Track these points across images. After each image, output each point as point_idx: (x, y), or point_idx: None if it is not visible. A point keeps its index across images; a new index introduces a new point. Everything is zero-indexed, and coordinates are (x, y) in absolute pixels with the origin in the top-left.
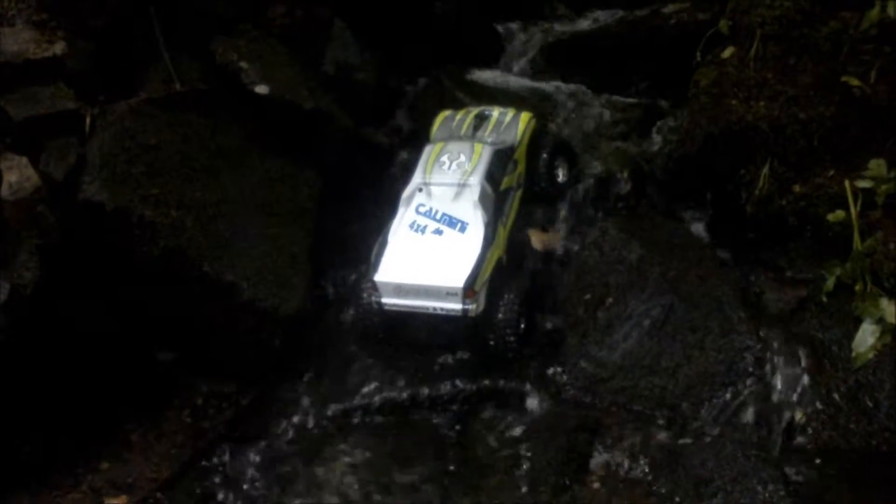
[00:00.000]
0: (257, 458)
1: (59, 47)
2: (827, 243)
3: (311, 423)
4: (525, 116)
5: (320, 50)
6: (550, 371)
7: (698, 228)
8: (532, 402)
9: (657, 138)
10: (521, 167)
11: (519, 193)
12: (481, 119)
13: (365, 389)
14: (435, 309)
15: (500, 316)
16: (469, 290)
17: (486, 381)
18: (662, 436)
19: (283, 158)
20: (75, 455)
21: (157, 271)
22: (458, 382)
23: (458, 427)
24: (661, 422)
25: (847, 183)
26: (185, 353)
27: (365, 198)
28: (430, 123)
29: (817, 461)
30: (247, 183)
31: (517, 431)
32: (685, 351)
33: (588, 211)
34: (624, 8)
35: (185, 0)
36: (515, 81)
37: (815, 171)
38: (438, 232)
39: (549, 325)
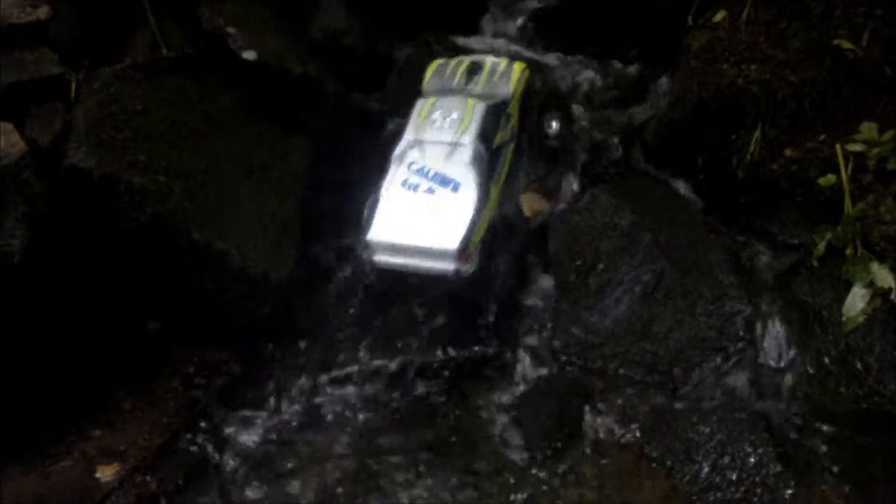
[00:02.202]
0: (249, 426)
1: (42, 11)
2: (818, 208)
3: (301, 391)
4: (518, 67)
5: (307, 15)
6: (542, 337)
7: (690, 194)
8: (523, 369)
9: (649, 104)
10: (514, 120)
11: (512, 147)
12: (473, 70)
13: (356, 357)
14: (428, 269)
15: (492, 283)
16: (463, 253)
17: (478, 348)
18: (654, 400)
19: (273, 124)
20: (66, 424)
21: (146, 238)
22: (449, 349)
23: (448, 394)
24: (652, 387)
25: (838, 147)
26: (176, 322)
27: (356, 164)
28: (422, 73)
29: (807, 424)
30: (236, 149)
31: (508, 398)
32: (676, 316)
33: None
34: None
35: None
36: (505, 47)
37: (807, 135)
38: (430, 191)
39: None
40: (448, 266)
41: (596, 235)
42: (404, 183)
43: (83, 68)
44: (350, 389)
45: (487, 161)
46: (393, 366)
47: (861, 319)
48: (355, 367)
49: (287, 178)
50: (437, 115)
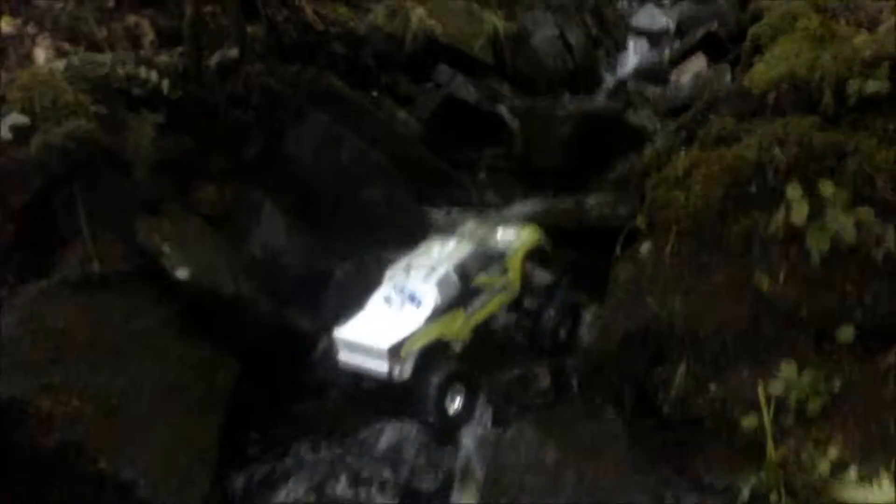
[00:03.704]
0: None
1: None
2: (743, 448)
3: None
4: (527, 230)
5: (248, 232)
6: None
7: (617, 427)
8: None
9: (578, 333)
10: (511, 276)
11: (502, 297)
12: (493, 228)
13: None
14: (371, 369)
15: (419, 390)
16: (395, 353)
17: None
18: None
19: (201, 342)
20: None
21: (51, 465)
22: None
23: None
24: None
25: (760, 388)
26: None
27: (285, 382)
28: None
29: None
30: (158, 369)
31: None
32: None
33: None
34: (549, 196)
35: (110, 180)
36: None
37: (731, 371)
38: (401, 305)
39: None
40: (382, 368)
41: (521, 472)
42: (386, 298)
43: (7, 284)
44: None
45: (458, 290)
46: None
47: None
48: None
49: (209, 399)
50: (435, 248)
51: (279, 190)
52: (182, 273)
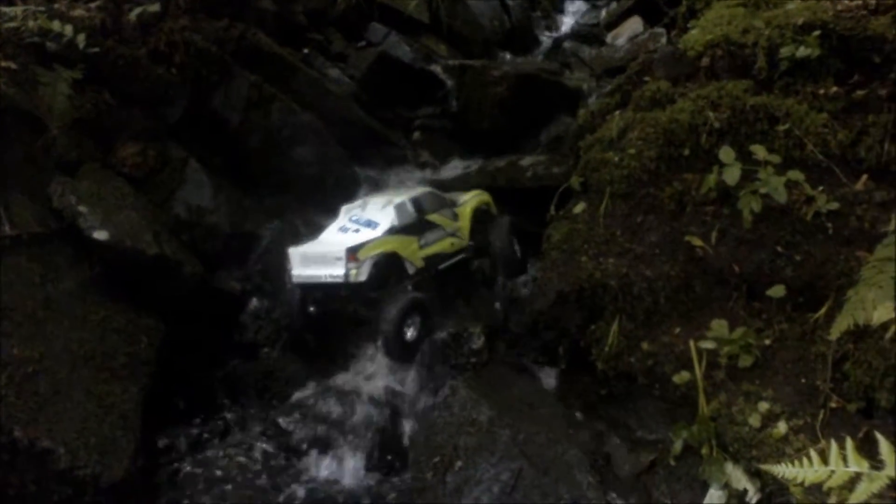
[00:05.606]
0: None
1: None
2: (675, 402)
3: None
4: (477, 191)
5: (172, 191)
6: None
7: (551, 383)
8: None
9: (512, 291)
10: (461, 223)
11: (453, 241)
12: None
13: None
14: (326, 277)
15: (382, 316)
16: (352, 254)
17: None
18: None
19: (123, 306)
20: None
21: None
22: None
23: None
24: None
25: (692, 344)
26: None
27: (215, 344)
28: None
29: None
30: (77, 334)
31: None
32: None
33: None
34: (484, 157)
35: (22, 139)
36: None
37: (662, 328)
38: (357, 231)
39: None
40: (339, 271)
41: (454, 431)
42: (341, 228)
43: None
44: None
45: (413, 219)
46: None
47: None
48: None
49: (133, 364)
50: (390, 190)
51: (205, 150)
52: (101, 234)
